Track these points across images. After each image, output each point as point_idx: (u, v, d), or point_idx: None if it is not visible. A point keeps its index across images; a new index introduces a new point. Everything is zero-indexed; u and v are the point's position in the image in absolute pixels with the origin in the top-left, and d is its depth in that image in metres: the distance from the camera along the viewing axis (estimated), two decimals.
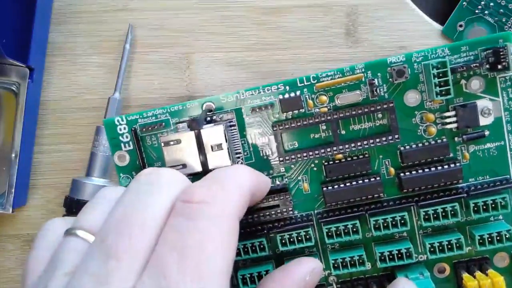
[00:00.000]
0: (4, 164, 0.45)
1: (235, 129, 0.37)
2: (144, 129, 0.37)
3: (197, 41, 0.46)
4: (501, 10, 0.44)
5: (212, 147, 0.33)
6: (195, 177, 0.34)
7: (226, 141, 0.33)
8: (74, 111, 0.47)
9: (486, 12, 0.45)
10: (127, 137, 0.38)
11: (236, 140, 0.37)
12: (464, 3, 0.45)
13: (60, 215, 0.45)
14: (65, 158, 0.47)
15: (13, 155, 0.44)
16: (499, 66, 0.34)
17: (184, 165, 0.33)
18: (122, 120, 0.37)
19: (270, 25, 0.46)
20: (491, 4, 0.45)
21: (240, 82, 0.46)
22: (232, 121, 0.37)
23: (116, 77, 0.45)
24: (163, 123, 0.37)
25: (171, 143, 0.33)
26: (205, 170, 0.33)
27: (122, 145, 0.38)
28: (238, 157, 0.37)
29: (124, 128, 0.37)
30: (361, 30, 0.45)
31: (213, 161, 0.33)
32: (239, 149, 0.37)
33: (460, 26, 0.45)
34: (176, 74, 0.46)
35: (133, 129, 0.37)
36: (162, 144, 0.34)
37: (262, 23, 0.46)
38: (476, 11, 0.45)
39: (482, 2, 0.45)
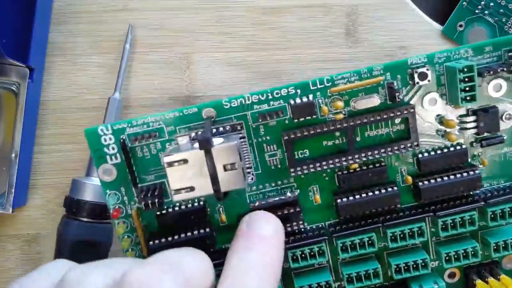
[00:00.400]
0: (4, 164, 0.37)
1: (244, 142, 0.27)
2: (135, 140, 0.27)
3: (197, 41, 0.38)
4: (501, 10, 0.36)
5: (224, 166, 0.23)
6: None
7: (241, 160, 0.23)
8: (74, 111, 0.38)
9: (486, 12, 0.37)
10: (113, 148, 0.27)
11: (246, 155, 0.27)
12: (464, 3, 0.37)
13: (60, 215, 0.37)
14: (65, 158, 0.38)
15: (13, 155, 0.36)
16: None
17: (192, 188, 0.23)
18: (107, 130, 0.27)
19: (270, 25, 0.38)
20: (491, 4, 0.36)
21: (240, 82, 0.38)
22: (241, 133, 0.27)
23: (116, 77, 0.37)
24: (157, 133, 0.27)
25: (176, 164, 0.23)
26: (217, 195, 0.23)
27: (108, 157, 0.27)
28: (249, 172, 0.27)
29: (110, 139, 0.27)
30: (361, 30, 0.37)
31: (226, 182, 0.23)
32: (249, 164, 0.27)
33: (460, 26, 0.37)
34: (176, 74, 0.38)
35: (121, 139, 0.27)
36: (166, 165, 0.23)
37: (262, 23, 0.37)
38: (476, 11, 0.37)
39: (482, 2, 0.36)
